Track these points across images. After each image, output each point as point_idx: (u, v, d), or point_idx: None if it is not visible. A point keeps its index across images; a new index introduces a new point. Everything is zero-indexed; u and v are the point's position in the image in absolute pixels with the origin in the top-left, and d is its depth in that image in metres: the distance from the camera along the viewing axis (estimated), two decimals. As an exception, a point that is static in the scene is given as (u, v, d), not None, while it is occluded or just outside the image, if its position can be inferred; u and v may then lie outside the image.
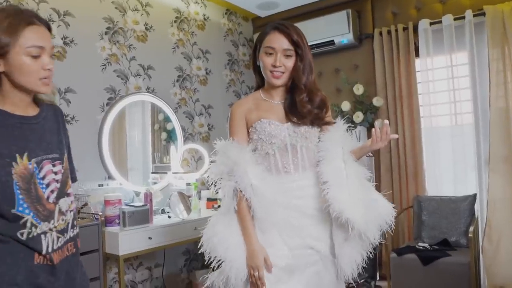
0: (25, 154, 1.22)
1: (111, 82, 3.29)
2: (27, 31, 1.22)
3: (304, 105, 1.68)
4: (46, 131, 1.32)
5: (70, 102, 3.00)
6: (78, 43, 3.08)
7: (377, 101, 3.84)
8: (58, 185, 1.30)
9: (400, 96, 3.84)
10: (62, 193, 1.31)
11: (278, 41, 1.66)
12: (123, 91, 3.36)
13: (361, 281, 3.32)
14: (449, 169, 3.67)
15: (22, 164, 1.20)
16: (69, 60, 3.01)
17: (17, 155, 1.20)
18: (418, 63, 3.80)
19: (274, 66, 1.66)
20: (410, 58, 3.80)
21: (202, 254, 1.65)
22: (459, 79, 3.62)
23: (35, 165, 1.24)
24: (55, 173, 1.30)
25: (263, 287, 1.57)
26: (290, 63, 1.67)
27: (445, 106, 3.69)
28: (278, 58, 1.65)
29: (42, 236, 1.24)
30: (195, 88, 4.02)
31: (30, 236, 1.21)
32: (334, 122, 1.77)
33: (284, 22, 1.70)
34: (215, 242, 1.63)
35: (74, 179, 1.45)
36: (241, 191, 1.62)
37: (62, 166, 1.33)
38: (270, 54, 1.67)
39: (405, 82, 3.81)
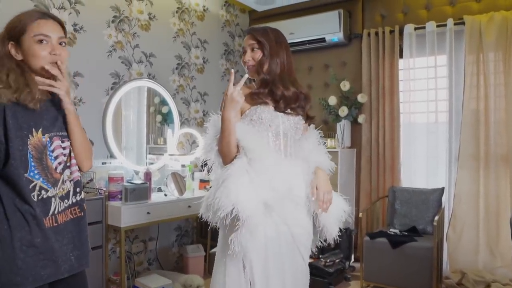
0: (40, 129, 1.47)
1: (116, 67, 3.53)
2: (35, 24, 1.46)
3: None
4: (59, 112, 1.57)
5: (78, 85, 3.23)
6: (87, 30, 3.29)
7: (361, 98, 4.14)
8: (65, 158, 1.54)
9: (383, 93, 4.14)
10: (66, 165, 1.55)
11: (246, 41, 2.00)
12: (126, 77, 3.60)
13: (337, 261, 3.66)
14: (422, 164, 4.00)
15: (37, 137, 1.44)
16: (78, 46, 3.23)
17: (33, 129, 1.45)
18: (401, 62, 4.09)
19: (244, 62, 2.01)
20: (394, 59, 4.09)
21: (193, 230, 1.80)
22: (437, 79, 3.91)
23: (48, 139, 1.48)
24: (63, 148, 1.53)
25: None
26: (257, 55, 1.97)
27: (423, 104, 4.00)
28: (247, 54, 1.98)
29: (52, 199, 1.48)
30: (193, 76, 4.26)
31: (40, 197, 1.45)
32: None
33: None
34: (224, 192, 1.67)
35: None
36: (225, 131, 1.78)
37: (70, 143, 1.57)
38: (244, 52, 2.01)
39: (388, 81, 4.11)
